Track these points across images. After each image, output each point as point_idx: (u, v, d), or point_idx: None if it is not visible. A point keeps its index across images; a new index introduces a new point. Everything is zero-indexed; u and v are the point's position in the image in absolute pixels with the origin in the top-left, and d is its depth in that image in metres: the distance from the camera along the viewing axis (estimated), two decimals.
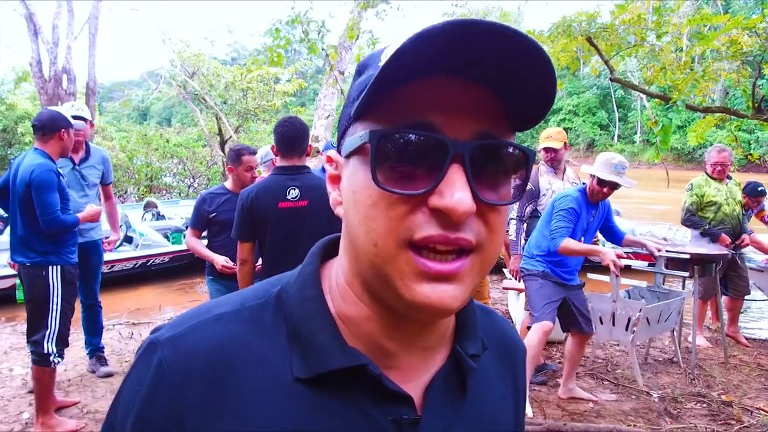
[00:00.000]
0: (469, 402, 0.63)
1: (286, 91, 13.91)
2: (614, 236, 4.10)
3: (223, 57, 57.08)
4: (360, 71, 0.58)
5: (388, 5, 10.93)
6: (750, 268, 5.79)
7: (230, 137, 13.36)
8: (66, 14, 10.49)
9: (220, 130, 13.75)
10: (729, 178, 5.36)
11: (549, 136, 4.57)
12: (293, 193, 3.00)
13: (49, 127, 3.44)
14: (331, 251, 0.65)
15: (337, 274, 0.61)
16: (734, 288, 5.43)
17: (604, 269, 4.11)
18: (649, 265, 4.69)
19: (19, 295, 3.59)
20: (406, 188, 0.50)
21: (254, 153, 3.85)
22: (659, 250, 3.90)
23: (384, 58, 0.50)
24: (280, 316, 0.59)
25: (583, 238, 3.83)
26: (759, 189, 5.72)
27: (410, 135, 0.50)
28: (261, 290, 0.63)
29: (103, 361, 4.37)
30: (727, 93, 29.53)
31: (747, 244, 5.47)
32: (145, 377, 0.56)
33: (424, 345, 0.61)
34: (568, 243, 3.57)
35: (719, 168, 5.20)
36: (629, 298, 4.30)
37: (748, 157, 9.83)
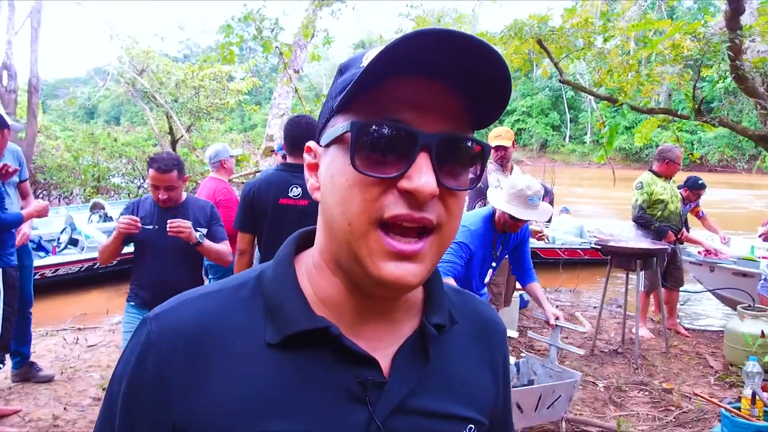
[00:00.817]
0: (434, 368, 0.68)
1: (240, 90, 13.71)
2: (522, 271, 3.58)
3: (175, 54, 55.79)
4: (342, 71, 0.64)
5: (343, 4, 10.91)
6: (689, 262, 6.07)
7: (182, 136, 13.05)
8: (6, 8, 10.04)
9: (171, 129, 13.41)
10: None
11: (498, 135, 4.72)
12: (296, 191, 3.01)
13: None
14: (306, 242, 0.71)
15: (313, 255, 0.68)
16: (672, 279, 5.67)
17: None
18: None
19: None
20: (380, 172, 0.57)
21: (165, 170, 2.98)
22: (557, 318, 3.37)
23: (365, 60, 0.57)
24: (257, 293, 0.66)
25: (491, 270, 3.43)
26: (699, 182, 6.09)
27: (386, 126, 0.57)
28: (243, 274, 0.70)
29: (36, 365, 4.20)
30: (670, 95, 30.74)
31: (686, 238, 5.74)
32: (135, 347, 0.64)
33: (390, 318, 0.67)
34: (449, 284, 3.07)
35: (679, 166, 5.43)
36: (518, 372, 3.51)
37: (690, 156, 10.35)
